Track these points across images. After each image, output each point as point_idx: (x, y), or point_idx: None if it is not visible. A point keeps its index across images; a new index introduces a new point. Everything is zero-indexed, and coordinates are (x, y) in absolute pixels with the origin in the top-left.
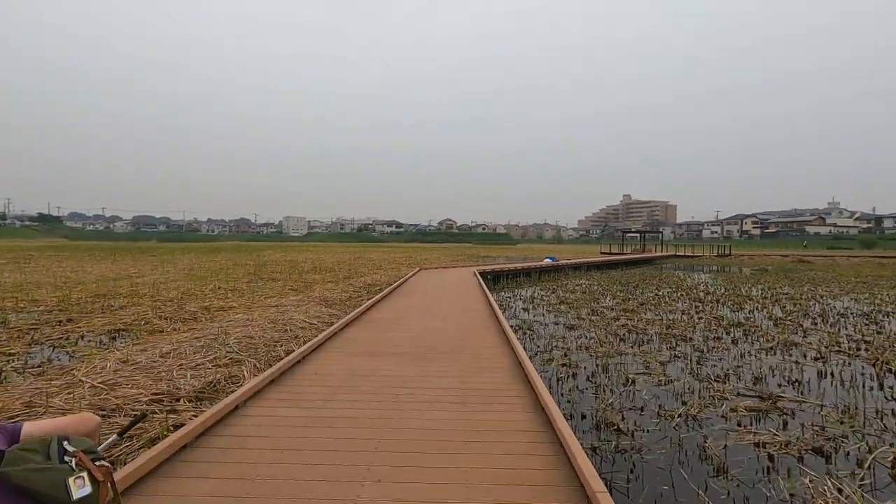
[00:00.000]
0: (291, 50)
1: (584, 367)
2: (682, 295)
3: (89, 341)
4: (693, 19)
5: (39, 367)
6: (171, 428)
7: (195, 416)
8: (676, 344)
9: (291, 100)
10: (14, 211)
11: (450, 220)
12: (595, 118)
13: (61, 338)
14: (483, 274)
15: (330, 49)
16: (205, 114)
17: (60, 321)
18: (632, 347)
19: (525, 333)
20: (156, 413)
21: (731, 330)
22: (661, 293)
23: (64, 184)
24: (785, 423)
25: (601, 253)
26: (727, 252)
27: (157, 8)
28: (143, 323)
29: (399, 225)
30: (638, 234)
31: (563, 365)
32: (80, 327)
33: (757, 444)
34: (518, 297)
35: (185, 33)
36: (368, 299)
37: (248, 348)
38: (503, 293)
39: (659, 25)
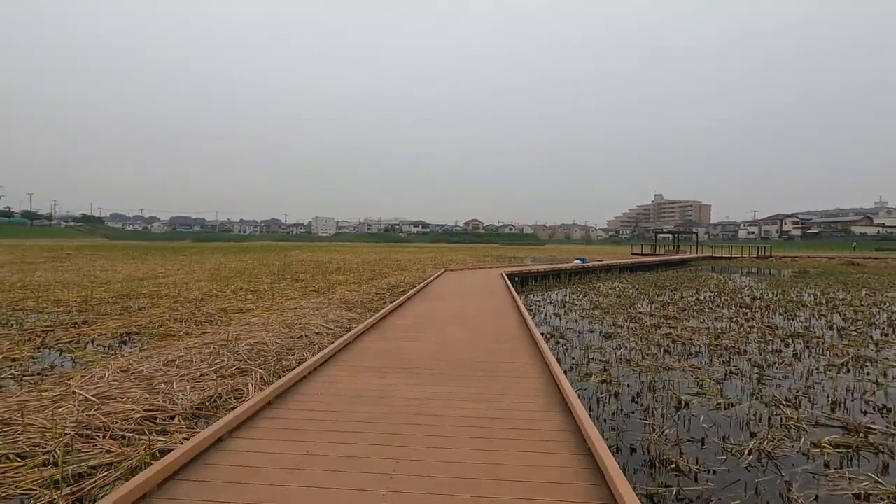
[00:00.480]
0: (326, 50)
1: (628, 386)
2: (725, 300)
3: (99, 345)
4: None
5: (39, 374)
6: (158, 454)
7: (187, 438)
8: (730, 358)
9: (322, 101)
10: (60, 212)
11: (476, 220)
12: (625, 114)
13: (71, 341)
14: (510, 275)
15: (361, 48)
16: (239, 119)
17: (76, 323)
18: (679, 361)
19: (558, 343)
20: (143, 435)
21: (790, 341)
22: (701, 297)
23: (106, 186)
24: (885, 466)
25: (632, 254)
26: (767, 254)
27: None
28: (156, 326)
29: (426, 225)
30: (671, 235)
31: (603, 382)
32: (92, 330)
33: (858, 496)
34: (548, 300)
35: (217, 32)
36: (391, 302)
37: (258, 356)
38: (532, 296)
39: (686, 14)
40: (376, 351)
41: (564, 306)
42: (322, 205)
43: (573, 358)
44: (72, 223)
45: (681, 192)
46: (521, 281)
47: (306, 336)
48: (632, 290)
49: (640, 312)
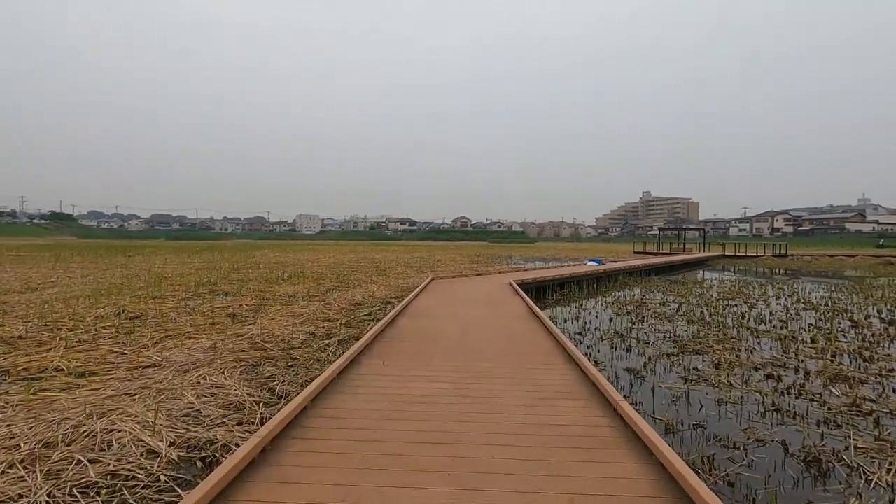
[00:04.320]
0: (304, 51)
1: None
2: (880, 334)
3: None
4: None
5: None
6: None
7: None
8: None
9: (309, 98)
10: (29, 209)
11: (464, 217)
12: (612, 112)
13: None
14: (523, 285)
15: (359, 53)
16: (227, 111)
17: None
18: None
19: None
20: None
21: None
22: (823, 324)
23: (84, 183)
24: None
25: (635, 252)
26: (784, 252)
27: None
28: None
29: (412, 223)
30: (677, 232)
31: None
32: None
33: None
34: (587, 322)
35: (202, 31)
36: (341, 343)
37: None
38: (555, 311)
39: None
40: None
41: (624, 339)
42: (308, 202)
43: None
44: (38, 221)
45: (667, 190)
46: (537, 292)
47: None
48: (693, 307)
49: (768, 362)
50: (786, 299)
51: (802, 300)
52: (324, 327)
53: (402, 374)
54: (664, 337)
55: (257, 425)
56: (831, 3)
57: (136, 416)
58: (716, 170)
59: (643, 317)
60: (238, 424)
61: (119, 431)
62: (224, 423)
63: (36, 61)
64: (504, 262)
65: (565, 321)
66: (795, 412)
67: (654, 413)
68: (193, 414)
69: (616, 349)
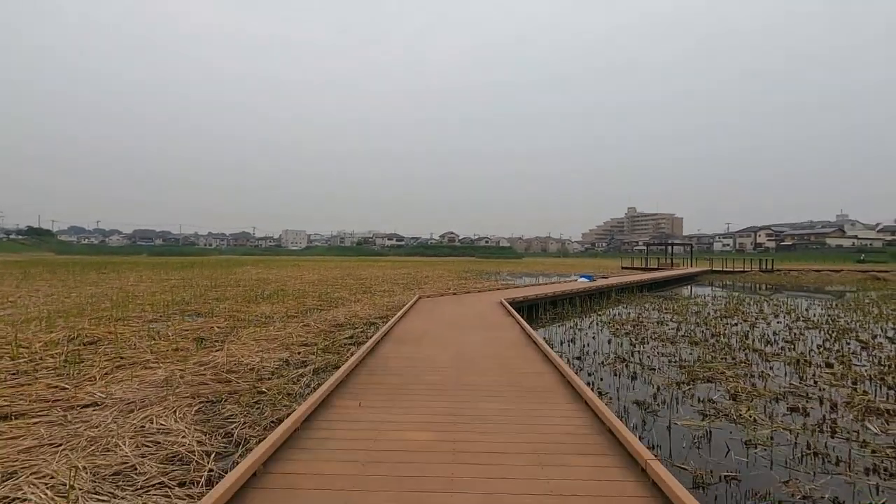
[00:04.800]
0: (301, 70)
1: None
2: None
3: None
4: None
5: None
6: None
7: None
8: None
9: (300, 114)
10: (6, 224)
11: (452, 232)
12: (595, 129)
13: None
14: (514, 303)
15: (348, 70)
16: (216, 125)
17: None
18: None
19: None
20: None
21: None
22: (831, 344)
23: (64, 198)
24: None
25: (623, 268)
26: (770, 267)
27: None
28: None
29: (400, 238)
30: (664, 248)
31: None
32: None
33: None
34: (585, 345)
35: (192, 50)
36: (317, 368)
37: None
38: (549, 331)
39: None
40: None
41: (627, 364)
42: (294, 218)
43: None
44: (14, 236)
45: (651, 205)
46: (528, 310)
47: None
48: (692, 327)
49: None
50: (785, 317)
51: (802, 318)
52: (299, 353)
53: (381, 420)
54: (669, 361)
55: (203, 486)
56: (811, 18)
57: (50, 478)
58: (698, 186)
59: (643, 338)
60: (180, 486)
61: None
62: (162, 483)
63: (21, 67)
64: (492, 278)
65: (561, 343)
66: (837, 456)
67: (673, 458)
68: (126, 471)
69: (620, 376)
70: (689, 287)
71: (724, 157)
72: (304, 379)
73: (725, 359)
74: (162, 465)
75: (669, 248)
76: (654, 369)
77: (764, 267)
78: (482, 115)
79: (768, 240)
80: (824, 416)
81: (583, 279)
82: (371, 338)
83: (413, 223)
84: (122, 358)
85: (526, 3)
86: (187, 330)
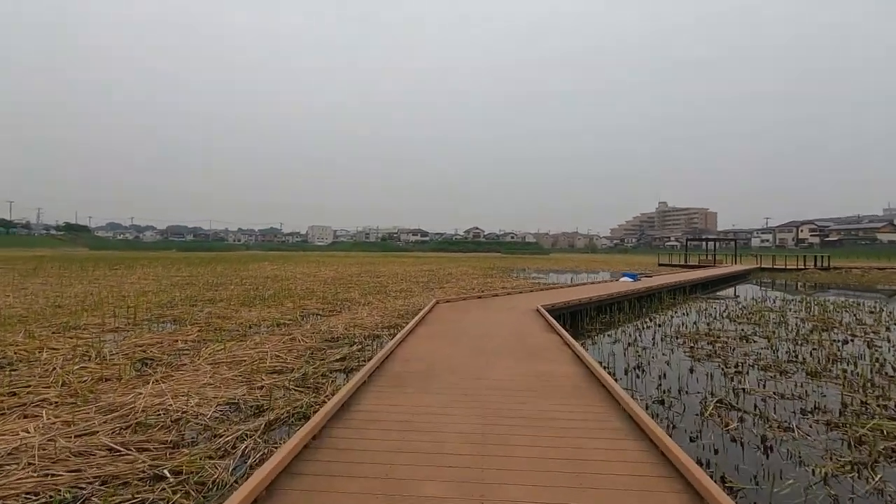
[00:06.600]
0: (316, 65)
1: None
2: None
3: None
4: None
5: None
6: None
7: None
8: None
9: (326, 113)
10: (47, 220)
11: (477, 228)
12: (628, 122)
13: None
14: (554, 311)
15: (358, 65)
16: (253, 124)
17: None
18: None
19: None
20: None
21: None
22: None
23: (104, 196)
24: None
25: (660, 265)
26: (828, 264)
27: (194, 26)
28: None
29: (424, 233)
30: (707, 243)
31: None
32: None
33: None
34: (659, 375)
35: (219, 49)
36: (274, 420)
37: None
38: (599, 349)
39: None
40: None
41: (746, 421)
42: (321, 213)
43: None
44: (53, 232)
45: (683, 200)
46: (571, 318)
47: None
48: (791, 345)
49: None
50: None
51: None
52: (262, 388)
53: None
54: (802, 412)
55: None
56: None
57: None
58: (731, 179)
59: (736, 364)
60: None
61: None
62: None
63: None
64: (520, 276)
65: (626, 372)
66: None
67: None
68: None
69: (742, 445)
70: (741, 287)
71: (759, 150)
72: (247, 445)
73: (886, 407)
74: None
75: (711, 243)
76: (790, 429)
77: (820, 264)
78: (505, 114)
79: (811, 235)
80: None
81: (626, 278)
82: (354, 376)
83: (438, 219)
84: (12, 394)
85: None
86: (142, 345)
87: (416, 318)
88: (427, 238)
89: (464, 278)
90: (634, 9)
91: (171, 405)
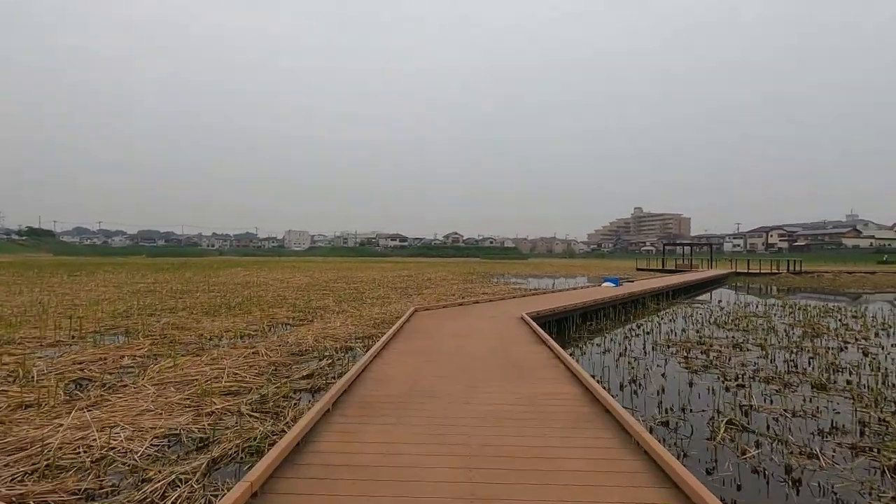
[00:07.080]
0: (302, 66)
1: None
2: None
3: None
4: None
5: None
6: None
7: None
8: None
9: (303, 117)
10: (9, 225)
11: (456, 233)
12: (602, 130)
13: None
14: (539, 319)
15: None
16: (227, 127)
17: None
18: None
19: None
20: None
21: None
22: None
23: (71, 200)
24: None
25: (638, 269)
26: (799, 268)
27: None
28: None
29: (403, 238)
30: (684, 247)
31: None
32: None
33: None
34: (658, 391)
35: (205, 46)
36: (212, 460)
37: None
38: (589, 360)
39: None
40: None
41: (763, 449)
42: (297, 219)
43: None
44: (14, 237)
45: (658, 206)
46: (557, 326)
47: None
48: (785, 353)
49: None
50: (892, 336)
51: None
52: (211, 413)
53: None
54: (820, 432)
55: None
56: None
57: None
58: (705, 184)
59: (737, 375)
60: None
61: None
62: None
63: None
64: (500, 281)
65: (622, 387)
66: None
67: None
68: None
69: (765, 478)
70: (719, 291)
71: (727, 155)
72: (180, 494)
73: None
74: None
75: (689, 248)
76: (814, 455)
77: (793, 269)
78: (493, 113)
79: (780, 240)
80: None
81: (609, 283)
82: (316, 404)
83: (417, 224)
84: None
85: (526, 2)
86: (81, 362)
87: (393, 328)
88: (406, 243)
89: (443, 284)
90: (597, 17)
91: (94, 440)
